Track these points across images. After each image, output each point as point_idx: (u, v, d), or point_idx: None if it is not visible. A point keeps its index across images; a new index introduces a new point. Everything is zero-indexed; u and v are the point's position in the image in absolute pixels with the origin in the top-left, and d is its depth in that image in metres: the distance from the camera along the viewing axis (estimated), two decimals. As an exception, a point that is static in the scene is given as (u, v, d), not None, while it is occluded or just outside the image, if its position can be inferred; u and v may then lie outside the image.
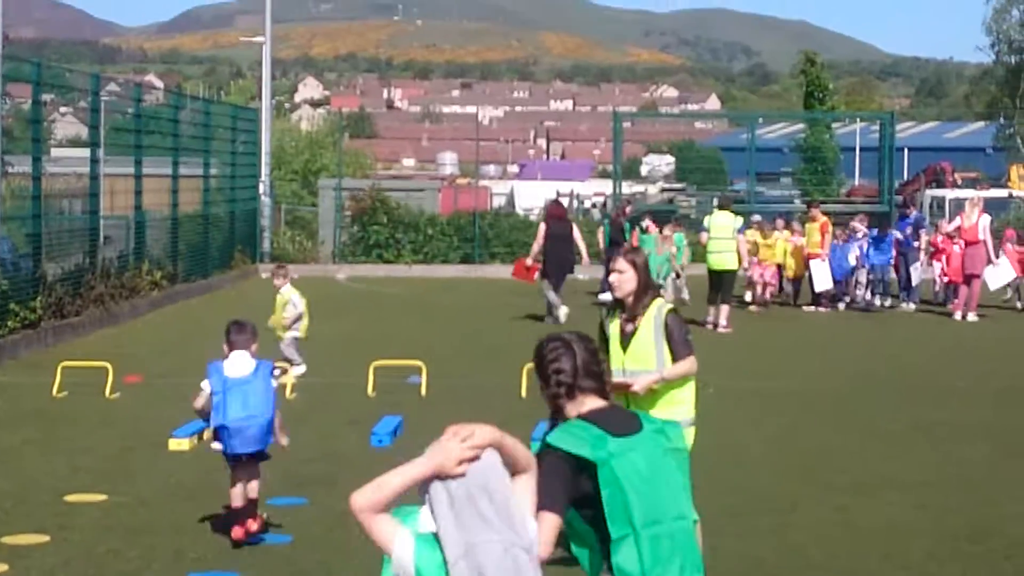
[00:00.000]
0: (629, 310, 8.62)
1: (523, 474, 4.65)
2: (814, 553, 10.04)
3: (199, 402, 10.27)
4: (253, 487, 10.28)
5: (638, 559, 5.14)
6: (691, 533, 5.28)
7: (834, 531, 10.70)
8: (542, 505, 5.03)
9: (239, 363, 10.36)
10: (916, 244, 28.73)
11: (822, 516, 11.19)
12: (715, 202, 27.70)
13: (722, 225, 25.02)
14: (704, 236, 25.60)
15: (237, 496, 10.29)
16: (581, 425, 5.26)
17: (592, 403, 5.40)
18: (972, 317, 26.26)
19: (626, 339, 8.64)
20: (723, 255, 24.79)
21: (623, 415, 5.42)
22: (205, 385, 10.24)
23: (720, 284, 24.71)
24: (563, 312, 24.80)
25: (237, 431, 10.11)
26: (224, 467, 10.41)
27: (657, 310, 8.62)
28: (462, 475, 4.38)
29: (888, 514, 11.24)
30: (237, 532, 10.19)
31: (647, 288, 8.63)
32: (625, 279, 8.58)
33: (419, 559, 4.38)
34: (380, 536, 4.43)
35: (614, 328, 8.69)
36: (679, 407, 8.68)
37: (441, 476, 4.39)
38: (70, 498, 11.62)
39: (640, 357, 8.57)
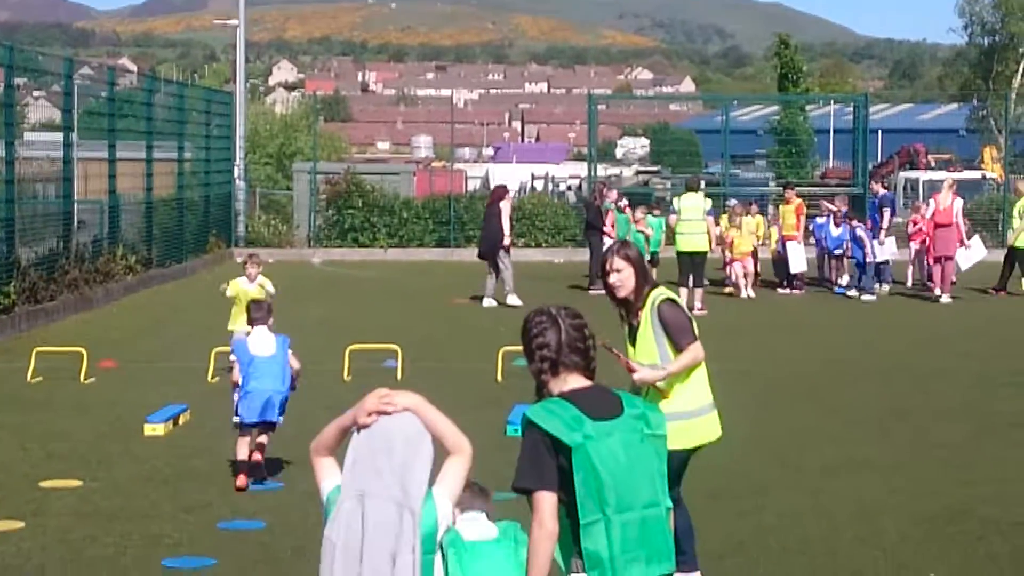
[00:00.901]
0: (632, 305, 8.39)
1: (453, 456, 5.06)
2: (789, 535, 10.07)
3: (236, 375, 11.76)
4: (263, 438, 11.61)
5: (607, 544, 5.15)
6: (663, 520, 5.28)
7: (809, 513, 10.74)
8: (533, 486, 5.09)
9: (261, 340, 11.79)
10: (880, 224, 28.74)
11: (797, 498, 11.22)
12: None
13: (692, 207, 24.99)
14: (674, 218, 25.58)
15: (243, 450, 11.51)
16: (561, 404, 5.25)
17: (575, 381, 5.38)
18: (946, 299, 26.32)
19: (632, 334, 8.45)
20: (694, 237, 24.75)
21: (605, 397, 5.37)
22: (235, 359, 11.80)
23: (692, 266, 24.68)
24: (486, 301, 25.03)
25: (255, 404, 11.51)
26: (230, 433, 10.45)
27: (652, 302, 8.36)
28: (367, 425, 4.91)
29: (862, 496, 11.28)
30: (241, 481, 11.31)
31: (645, 280, 8.37)
32: (624, 277, 8.30)
33: (330, 495, 5.00)
34: (316, 473, 5.13)
35: (624, 324, 8.52)
36: (686, 400, 8.43)
37: (358, 425, 4.94)
38: (45, 484, 11.60)
39: (645, 351, 8.35)
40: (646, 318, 8.36)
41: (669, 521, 5.34)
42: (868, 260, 27.53)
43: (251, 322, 12.07)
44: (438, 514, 4.99)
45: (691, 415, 8.42)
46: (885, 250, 28.47)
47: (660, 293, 8.41)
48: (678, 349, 8.35)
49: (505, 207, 25.77)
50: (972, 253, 27.84)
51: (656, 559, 5.23)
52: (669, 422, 7.75)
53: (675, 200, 25.84)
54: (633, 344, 8.42)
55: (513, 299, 24.86)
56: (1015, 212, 28.22)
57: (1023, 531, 10.20)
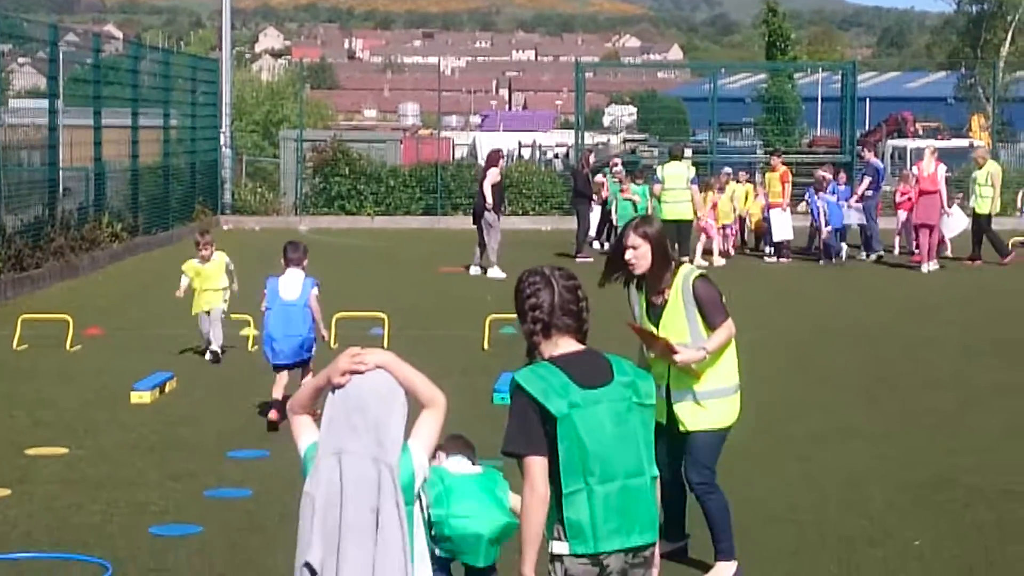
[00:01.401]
0: (652, 283, 8.12)
1: (427, 409, 5.14)
2: (777, 503, 10.09)
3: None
4: (305, 379, 11.94)
5: (589, 514, 5.15)
6: (646, 490, 5.26)
7: (796, 481, 10.76)
8: (523, 451, 5.10)
9: (291, 283, 12.56)
10: (869, 193, 28.78)
11: (784, 466, 11.24)
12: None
13: (676, 175, 24.95)
14: (658, 187, 25.52)
15: (278, 388, 12.26)
16: (550, 370, 5.22)
17: (567, 345, 5.35)
18: (931, 266, 26.32)
19: (656, 312, 8.16)
20: (678, 205, 24.73)
21: (595, 363, 5.33)
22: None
23: (677, 235, 24.63)
24: (472, 269, 25.21)
25: (279, 347, 12.35)
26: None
27: (684, 279, 8.10)
28: (342, 385, 5.01)
29: (849, 464, 11.30)
30: (273, 415, 11.95)
31: (666, 258, 8.08)
32: (640, 254, 8.00)
33: (307, 452, 5.17)
34: (294, 431, 5.29)
35: (641, 302, 8.23)
36: (723, 376, 8.31)
37: (332, 385, 5.04)
38: (31, 452, 11.58)
39: (674, 330, 8.07)
40: (676, 295, 8.12)
41: (654, 491, 5.32)
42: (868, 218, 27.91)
43: (287, 263, 12.71)
44: (414, 466, 5.08)
45: (733, 390, 8.42)
46: (851, 215, 28.48)
47: (692, 270, 8.22)
48: (711, 327, 8.15)
49: (491, 174, 25.58)
50: (954, 222, 27.74)
51: (637, 529, 5.22)
52: (712, 399, 8.13)
53: (659, 169, 25.76)
54: (656, 323, 8.13)
55: (493, 271, 24.57)
56: (979, 181, 28.02)
57: (1009, 499, 10.23)
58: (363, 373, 5.02)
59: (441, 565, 6.87)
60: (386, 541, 4.91)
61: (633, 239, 8.02)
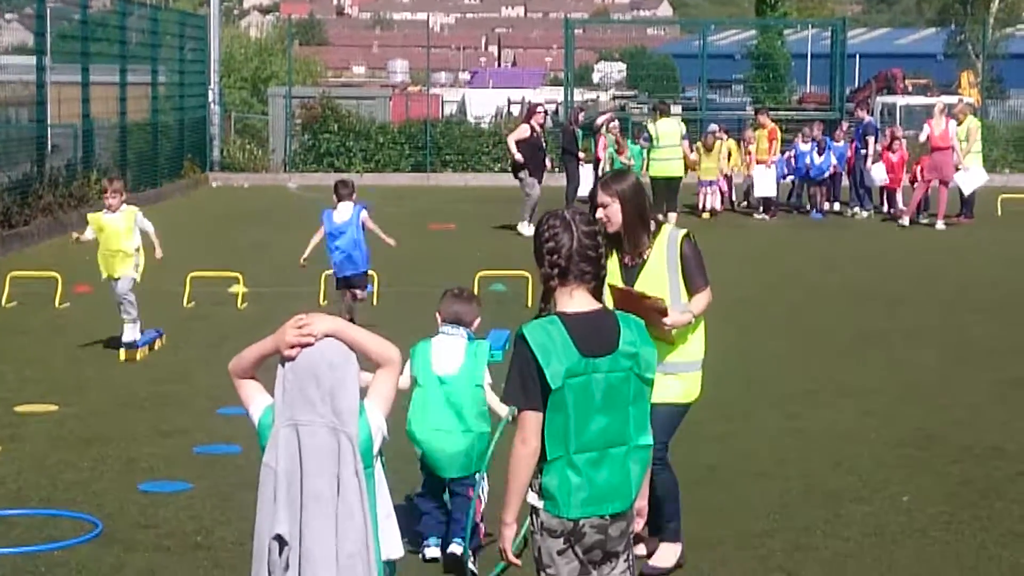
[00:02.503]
0: (627, 242, 7.47)
1: (382, 368, 5.11)
2: (764, 460, 10.13)
3: (316, 238, 15.08)
4: (357, 291, 15.15)
5: (565, 482, 5.16)
6: (625, 459, 5.24)
7: (783, 438, 10.80)
8: (520, 405, 5.10)
9: (342, 212, 14.94)
10: (864, 151, 28.75)
11: (772, 423, 11.28)
12: (655, 111, 27.09)
13: (669, 132, 24.92)
14: (645, 143, 25.36)
15: (346, 306, 14.91)
16: (558, 329, 5.16)
17: (581, 300, 5.26)
18: (941, 225, 26.22)
19: (630, 273, 7.52)
20: (672, 162, 24.72)
21: (605, 326, 5.26)
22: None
23: (667, 192, 24.62)
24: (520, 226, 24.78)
25: (339, 262, 14.92)
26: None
27: (669, 238, 7.53)
28: (292, 358, 4.95)
29: (837, 421, 11.35)
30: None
31: (642, 216, 7.46)
32: (612, 212, 7.38)
33: (262, 418, 5.11)
34: (241, 396, 5.20)
35: (612, 264, 7.16)
36: (693, 351, 7.76)
37: (281, 356, 4.98)
38: (20, 409, 11.60)
39: (651, 293, 7.42)
40: (660, 256, 7.54)
41: (640, 460, 5.29)
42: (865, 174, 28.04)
43: (339, 197, 15.01)
44: (371, 427, 5.07)
45: (698, 366, 7.83)
46: (874, 176, 28.43)
47: (678, 230, 7.67)
48: (693, 291, 7.62)
49: (519, 130, 25.21)
50: (972, 176, 27.44)
51: (611, 497, 5.23)
52: (679, 372, 7.64)
53: (651, 127, 25.66)
54: (631, 284, 7.48)
55: (522, 227, 24.48)
56: (959, 136, 27.89)
57: (997, 456, 10.27)
58: (312, 345, 4.97)
59: (431, 489, 8.02)
60: (348, 509, 4.92)
61: (602, 196, 7.43)
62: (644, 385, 5.28)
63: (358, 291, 15.20)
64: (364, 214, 15.05)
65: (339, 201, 15.00)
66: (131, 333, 13.87)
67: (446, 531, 7.97)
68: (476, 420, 7.88)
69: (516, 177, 25.23)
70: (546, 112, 27.95)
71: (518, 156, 24.79)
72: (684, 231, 7.68)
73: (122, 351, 13.75)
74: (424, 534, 8.00)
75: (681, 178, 25.09)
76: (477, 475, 7.58)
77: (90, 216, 14.34)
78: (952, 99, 38.10)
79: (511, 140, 25.10)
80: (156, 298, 17.22)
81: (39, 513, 8.81)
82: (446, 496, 8.04)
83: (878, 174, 28.28)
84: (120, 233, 13.93)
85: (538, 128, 25.40)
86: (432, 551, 7.96)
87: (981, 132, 28.60)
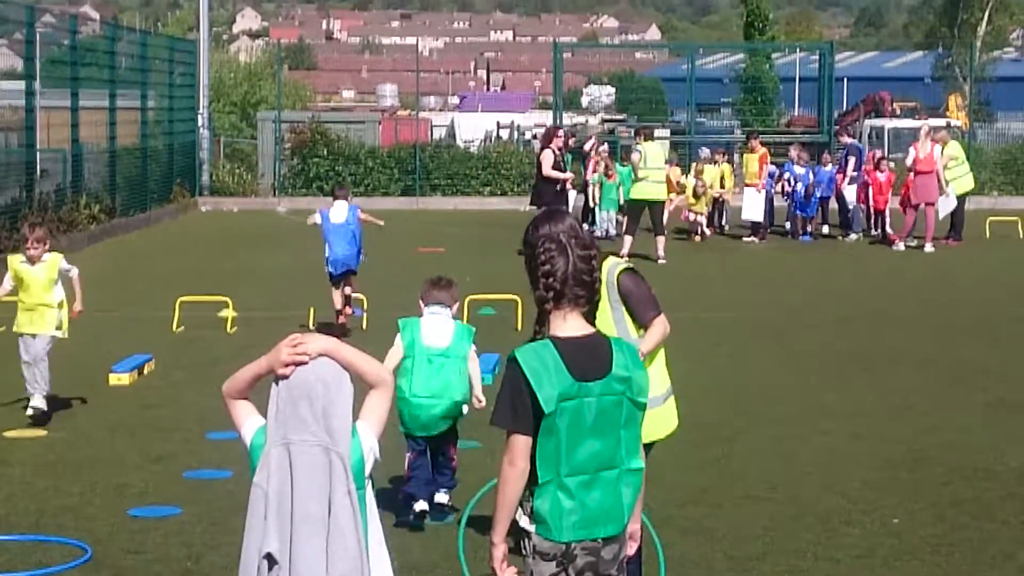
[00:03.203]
0: None
1: (374, 389, 5.14)
2: (754, 482, 10.12)
3: (313, 219, 16.68)
4: (348, 289, 16.46)
5: (557, 506, 5.13)
6: (617, 482, 5.23)
7: (774, 461, 10.79)
8: (510, 427, 5.09)
9: (338, 211, 16.27)
10: (846, 172, 28.85)
11: (762, 446, 11.27)
12: (639, 136, 26.83)
13: (656, 155, 24.83)
14: (636, 156, 25.22)
15: (337, 299, 16.44)
16: (552, 355, 5.13)
17: (574, 324, 5.23)
18: (929, 248, 26.26)
19: None
20: (656, 185, 24.61)
21: (597, 352, 5.23)
22: (316, 218, 16.53)
23: (651, 216, 24.52)
24: None
25: (336, 258, 16.21)
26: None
27: (607, 272, 7.18)
28: (286, 376, 4.98)
29: (826, 443, 11.34)
30: (342, 318, 16.40)
31: None
32: None
33: (254, 439, 5.11)
34: (234, 417, 5.19)
35: None
36: (653, 384, 6.99)
37: (275, 375, 5.01)
38: (9, 434, 11.58)
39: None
40: (602, 291, 6.99)
41: (632, 483, 5.27)
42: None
43: (335, 197, 16.68)
44: (363, 448, 5.08)
45: (663, 398, 7.56)
46: (847, 196, 28.62)
47: (616, 263, 7.38)
48: (642, 324, 7.33)
49: (545, 158, 24.61)
50: (950, 201, 27.56)
51: (603, 520, 5.21)
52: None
53: (638, 151, 25.51)
54: None
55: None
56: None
57: (986, 477, 10.28)
58: (307, 364, 5.00)
59: (417, 451, 9.06)
60: (340, 529, 4.92)
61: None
62: (636, 409, 5.27)
63: (350, 288, 16.54)
64: (358, 212, 16.59)
65: (335, 200, 16.53)
66: (40, 401, 11.92)
67: (432, 485, 9.03)
68: (460, 388, 8.96)
69: (538, 206, 25.01)
70: (567, 133, 27.78)
71: (559, 175, 24.59)
72: (622, 265, 7.40)
73: (31, 424, 11.81)
74: (414, 494, 8.95)
75: (663, 201, 24.98)
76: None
77: (10, 260, 12.56)
78: (940, 122, 38.24)
79: (547, 170, 24.71)
80: (146, 323, 17.23)
81: (28, 539, 8.78)
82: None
83: (850, 194, 28.54)
84: (39, 287, 12.17)
85: (557, 152, 25.31)
86: (421, 504, 8.91)
87: (966, 154, 28.73)
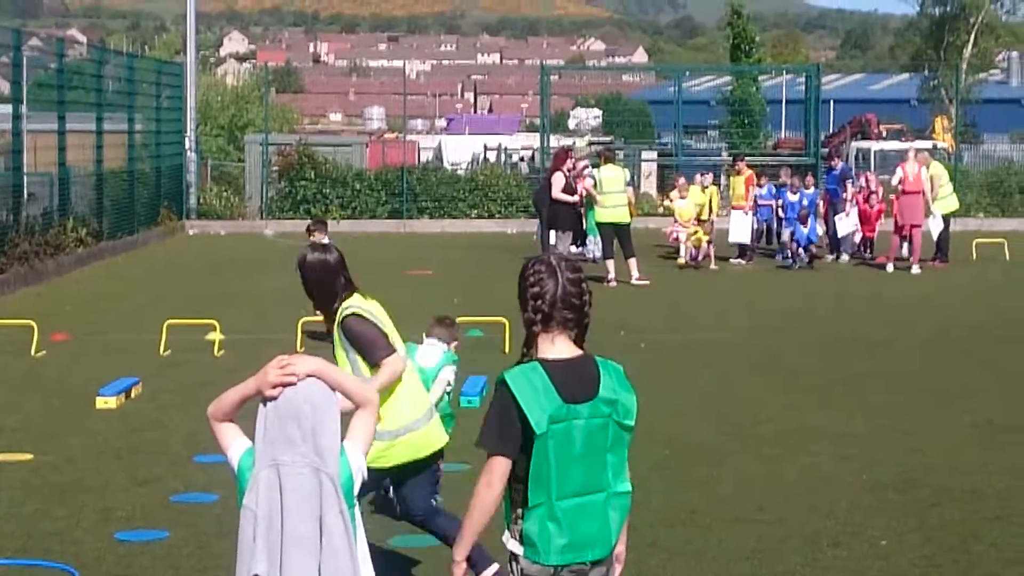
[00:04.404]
0: (324, 316, 7.71)
1: (361, 409, 5.20)
2: (742, 504, 10.11)
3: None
4: None
5: (546, 529, 5.13)
6: (604, 505, 5.22)
7: (762, 482, 10.79)
8: (492, 449, 5.09)
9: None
10: (844, 196, 28.88)
11: (750, 467, 11.27)
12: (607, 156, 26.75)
13: (613, 178, 24.74)
14: (590, 183, 25.15)
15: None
16: (541, 378, 5.13)
17: (562, 347, 5.23)
18: (916, 269, 26.31)
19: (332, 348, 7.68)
20: (617, 209, 24.53)
21: (585, 374, 5.23)
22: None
23: (619, 238, 24.45)
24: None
25: None
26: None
27: (340, 315, 7.55)
28: (274, 398, 4.98)
29: (815, 465, 11.34)
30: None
31: (324, 289, 7.56)
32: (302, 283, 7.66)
33: (242, 461, 5.13)
34: (220, 439, 5.21)
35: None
36: (391, 416, 7.51)
37: (263, 397, 5.02)
38: (-4, 458, 11.53)
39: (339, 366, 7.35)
40: (336, 332, 7.58)
41: (619, 506, 5.27)
42: (837, 220, 28.10)
43: (311, 233, 17.29)
44: (352, 468, 5.11)
45: (392, 435, 7.55)
46: (848, 223, 28.62)
47: (348, 306, 7.56)
48: (373, 365, 7.48)
49: (556, 181, 24.94)
50: (934, 224, 27.63)
51: (591, 544, 5.21)
52: (377, 440, 7.07)
53: (595, 173, 25.47)
54: (335, 360, 7.41)
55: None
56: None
57: (974, 499, 10.28)
58: (295, 384, 5.02)
59: None
60: (333, 550, 4.94)
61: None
62: (623, 432, 5.27)
63: None
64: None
65: (311, 235, 16.99)
66: None
67: None
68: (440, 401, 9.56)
69: (556, 228, 24.96)
70: (573, 155, 27.83)
71: (568, 197, 24.87)
72: (348, 310, 7.55)
73: None
74: None
75: (629, 224, 24.89)
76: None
77: None
78: (927, 144, 38.36)
79: (557, 194, 24.90)
80: (133, 346, 17.21)
81: (15, 563, 8.75)
82: None
83: (844, 228, 28.58)
84: None
85: (567, 175, 25.30)
86: None
87: (950, 176, 28.83)
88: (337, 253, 7.76)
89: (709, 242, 27.78)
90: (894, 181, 27.55)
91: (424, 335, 10.13)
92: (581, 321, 5.28)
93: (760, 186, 29.36)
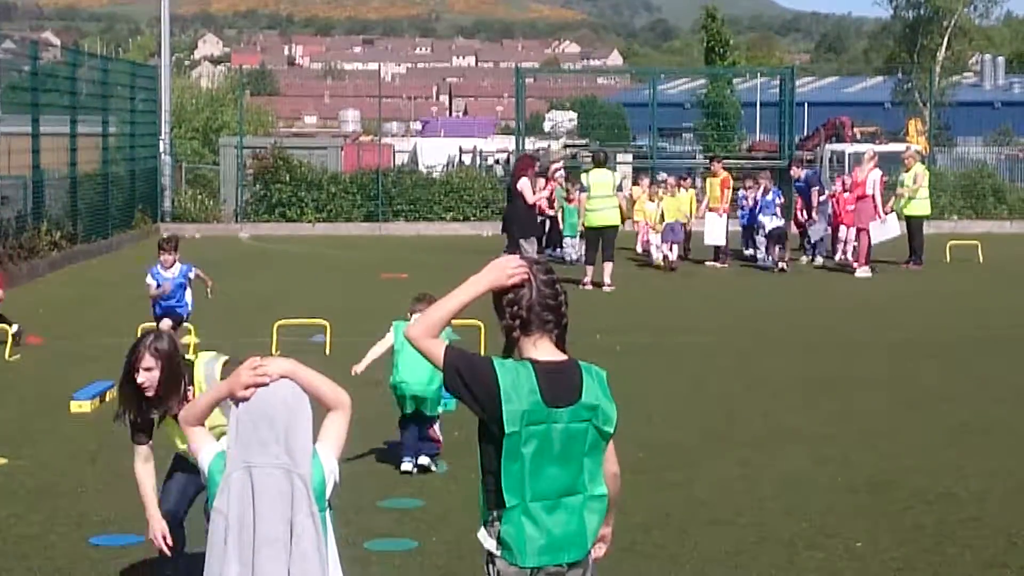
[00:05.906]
0: (158, 405, 7.48)
1: (333, 411, 5.21)
2: (718, 507, 10.13)
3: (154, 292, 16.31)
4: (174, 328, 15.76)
5: (522, 531, 5.12)
6: (578, 508, 5.22)
7: (737, 485, 10.81)
8: (447, 355, 5.12)
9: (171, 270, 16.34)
10: (813, 204, 28.92)
11: (725, 470, 11.29)
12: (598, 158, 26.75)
13: (602, 182, 24.70)
14: (583, 196, 25.16)
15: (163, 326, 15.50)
16: (529, 376, 5.12)
17: (545, 349, 5.21)
18: (862, 272, 26.40)
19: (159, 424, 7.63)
20: (605, 212, 24.49)
21: (569, 379, 5.21)
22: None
23: (602, 242, 24.40)
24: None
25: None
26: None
27: (205, 365, 7.60)
28: (247, 399, 5.00)
29: (790, 468, 11.36)
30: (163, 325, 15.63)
31: (176, 379, 7.44)
32: (153, 376, 7.35)
33: (212, 465, 5.14)
34: (192, 443, 5.25)
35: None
36: None
37: (235, 398, 5.04)
38: (-31, 462, 11.48)
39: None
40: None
41: (594, 509, 5.27)
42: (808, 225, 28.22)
43: (162, 250, 16.55)
44: (324, 470, 5.11)
45: None
46: (818, 229, 28.70)
47: (209, 358, 7.68)
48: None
49: (523, 186, 24.66)
50: (886, 228, 27.66)
51: (567, 546, 5.20)
52: None
53: (584, 176, 25.43)
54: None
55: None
56: (906, 183, 28.17)
57: (948, 501, 10.31)
58: (267, 385, 5.02)
59: (407, 422, 11.14)
60: (303, 552, 4.93)
61: (147, 360, 7.34)
62: (600, 438, 5.27)
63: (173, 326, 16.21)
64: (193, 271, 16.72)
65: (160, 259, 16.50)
66: None
67: (417, 450, 11.06)
68: (434, 375, 10.52)
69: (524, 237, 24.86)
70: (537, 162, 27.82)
71: (539, 203, 25.00)
72: (222, 358, 7.66)
73: None
74: (402, 453, 11.08)
75: (616, 227, 24.84)
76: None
77: None
78: (901, 146, 38.47)
79: (532, 198, 24.73)
80: (107, 350, 17.14)
81: (-11, 568, 8.71)
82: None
83: (816, 233, 28.70)
84: None
85: (533, 180, 25.25)
86: (406, 465, 10.96)
87: (928, 179, 28.92)
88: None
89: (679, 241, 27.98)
90: (847, 182, 27.80)
91: (408, 312, 11.31)
92: (560, 322, 5.26)
93: (747, 190, 29.31)
